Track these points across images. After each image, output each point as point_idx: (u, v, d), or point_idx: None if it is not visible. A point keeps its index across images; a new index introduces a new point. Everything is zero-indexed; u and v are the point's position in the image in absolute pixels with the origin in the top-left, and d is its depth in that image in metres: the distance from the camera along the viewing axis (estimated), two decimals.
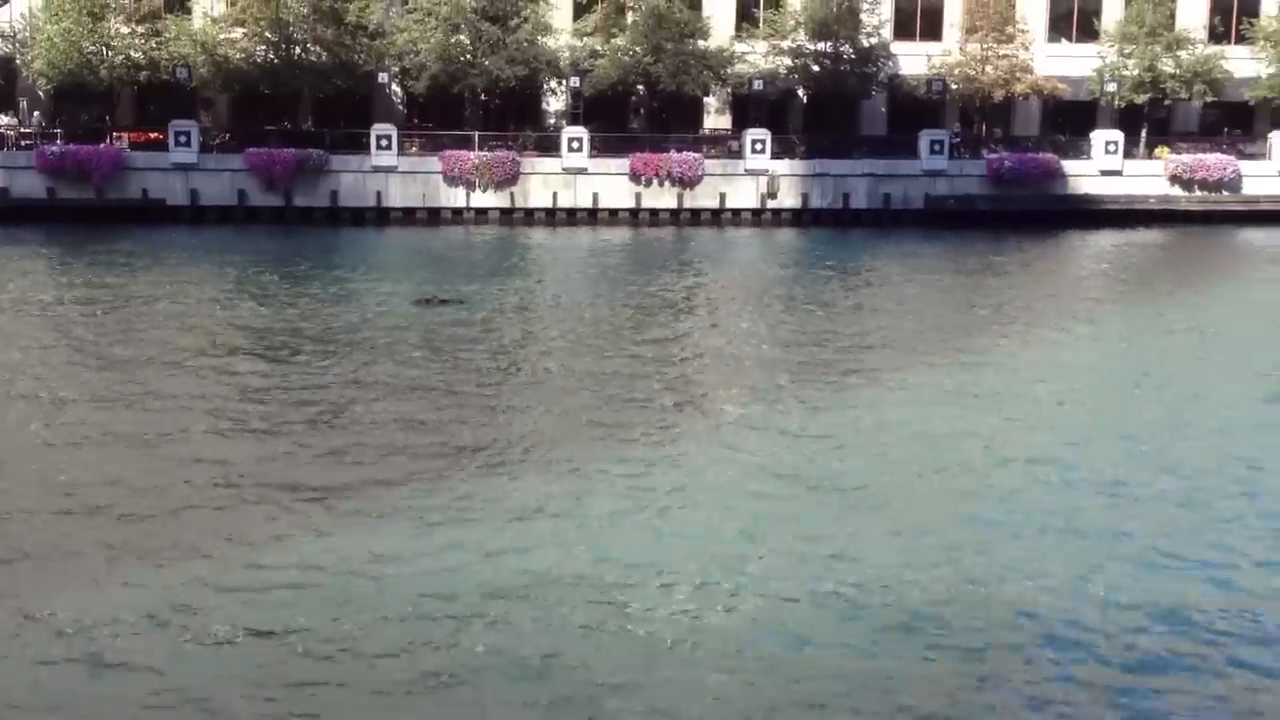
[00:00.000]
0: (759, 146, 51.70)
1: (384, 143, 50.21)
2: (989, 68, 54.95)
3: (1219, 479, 17.99)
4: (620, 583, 14.06)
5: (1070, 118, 57.59)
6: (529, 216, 50.75)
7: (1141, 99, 55.24)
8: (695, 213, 51.35)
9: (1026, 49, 56.00)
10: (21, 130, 51.55)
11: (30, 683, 11.81)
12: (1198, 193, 53.77)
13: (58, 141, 50.16)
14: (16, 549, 14.91)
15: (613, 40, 53.57)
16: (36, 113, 52.39)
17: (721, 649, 12.55)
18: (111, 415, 20.68)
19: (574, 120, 54.43)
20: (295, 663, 12.22)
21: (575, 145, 51.18)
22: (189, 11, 54.13)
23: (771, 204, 51.64)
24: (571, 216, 50.81)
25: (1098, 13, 58.51)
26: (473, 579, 14.05)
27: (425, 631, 12.85)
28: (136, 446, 18.96)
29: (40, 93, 53.34)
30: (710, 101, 57.22)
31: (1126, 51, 55.56)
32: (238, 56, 51.74)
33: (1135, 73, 55.18)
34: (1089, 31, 58.29)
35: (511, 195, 50.77)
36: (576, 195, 51.16)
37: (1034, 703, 11.63)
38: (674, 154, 51.38)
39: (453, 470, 17.86)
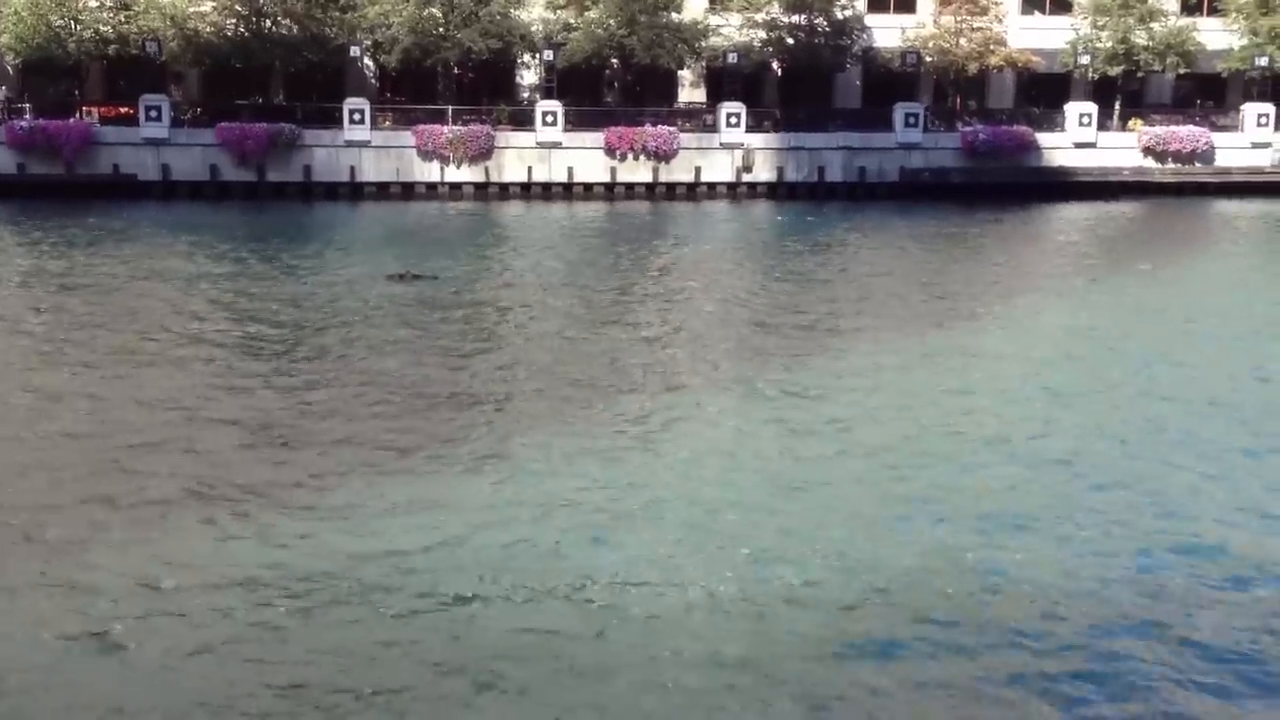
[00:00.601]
0: (734, 120, 51.62)
1: (357, 117, 49.92)
2: (963, 40, 54.97)
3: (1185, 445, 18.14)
4: (594, 570, 14.08)
5: (1044, 90, 57.72)
6: (504, 191, 50.58)
7: (1115, 71, 55.39)
8: (671, 186, 51.27)
9: (1000, 21, 56.03)
10: None
11: None
12: (1171, 164, 53.99)
13: (27, 116, 49.68)
14: None
15: (586, 13, 53.30)
16: (4, 88, 51.82)
17: (698, 638, 12.60)
18: (82, 393, 20.55)
19: (548, 94, 54.20)
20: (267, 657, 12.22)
21: (549, 119, 50.98)
22: None
23: (747, 177, 51.60)
24: (547, 191, 50.67)
25: None
26: (439, 568, 14.01)
27: (398, 623, 12.84)
28: (100, 424, 18.85)
29: (8, 67, 52.79)
30: (685, 75, 57.09)
31: (1100, 24, 55.67)
32: (208, 30, 51.31)
33: (1109, 45, 55.29)
34: (1062, 4, 58.39)
35: (486, 170, 50.57)
36: (551, 169, 51.00)
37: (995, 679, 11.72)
38: (649, 128, 51.26)
39: (420, 452, 17.79)
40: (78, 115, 50.39)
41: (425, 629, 12.44)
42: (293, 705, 11.18)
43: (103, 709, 11.09)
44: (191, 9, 51.39)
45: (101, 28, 50.84)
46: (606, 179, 51.17)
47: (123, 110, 50.90)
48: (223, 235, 39.11)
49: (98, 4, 51.19)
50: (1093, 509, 15.71)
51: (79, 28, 50.42)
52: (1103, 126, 54.24)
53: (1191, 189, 52.97)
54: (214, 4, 51.41)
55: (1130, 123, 55.25)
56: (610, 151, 51.02)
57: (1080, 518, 15.41)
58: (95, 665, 11.81)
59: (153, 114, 49.01)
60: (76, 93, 52.43)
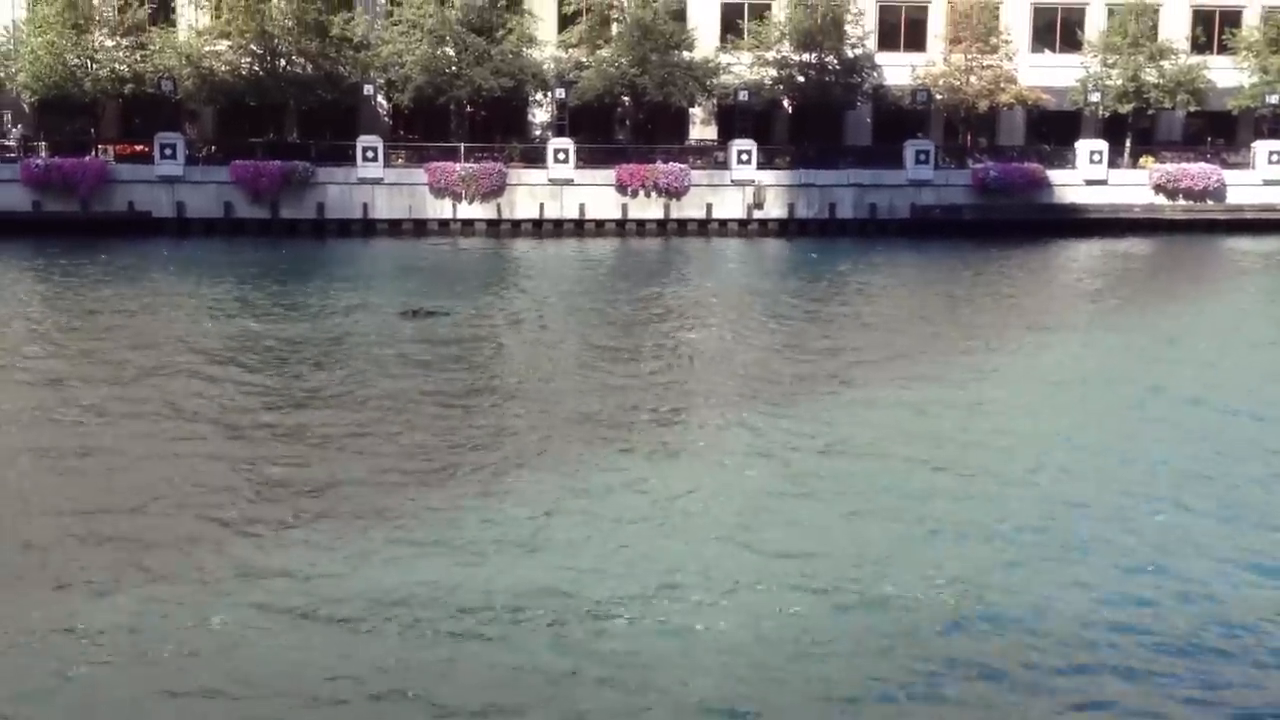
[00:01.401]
0: (745, 157, 51.80)
1: (370, 154, 50.21)
2: (973, 78, 55.14)
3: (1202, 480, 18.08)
4: (601, 599, 14.07)
5: (1055, 127, 57.77)
6: (515, 228, 50.76)
7: (1125, 108, 55.49)
8: (682, 223, 51.40)
9: (1010, 59, 56.22)
10: (5, 143, 51.38)
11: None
12: (1182, 201, 53.97)
13: (43, 154, 50.05)
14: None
15: (598, 52, 53.62)
16: (20, 126, 52.22)
17: (718, 659, 12.57)
18: (95, 428, 20.64)
19: (560, 131, 54.47)
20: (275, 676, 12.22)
21: (561, 156, 51.22)
22: (174, 24, 54.02)
23: (758, 214, 51.71)
24: (558, 227, 50.83)
25: (1081, 23, 58.77)
26: (455, 593, 14.04)
27: (411, 644, 12.84)
28: (116, 459, 18.92)
29: (24, 105, 53.18)
30: (696, 112, 57.31)
31: (1110, 62, 55.83)
32: (223, 69, 51.69)
33: (1119, 82, 55.43)
34: (1072, 42, 58.56)
35: (498, 206, 50.77)
36: (563, 206, 51.19)
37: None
38: (660, 165, 51.45)
39: (432, 485, 17.83)
40: (93, 153, 50.75)
41: (415, 661, 12.45)
42: None
43: None
44: (207, 48, 51.78)
45: (117, 66, 51.22)
46: (618, 216, 51.32)
47: (138, 148, 51.24)
48: (237, 272, 39.27)
49: (114, 43, 51.61)
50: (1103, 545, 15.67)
51: (95, 66, 50.83)
52: (1113, 164, 54.28)
53: (1203, 226, 52.91)
54: (229, 43, 51.80)
55: (1141, 160, 55.27)
56: (622, 188, 51.20)
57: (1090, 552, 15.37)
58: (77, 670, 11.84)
59: (168, 152, 49.34)
60: (92, 131, 52.81)
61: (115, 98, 52.61)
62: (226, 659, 12.52)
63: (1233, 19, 59.01)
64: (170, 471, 18.24)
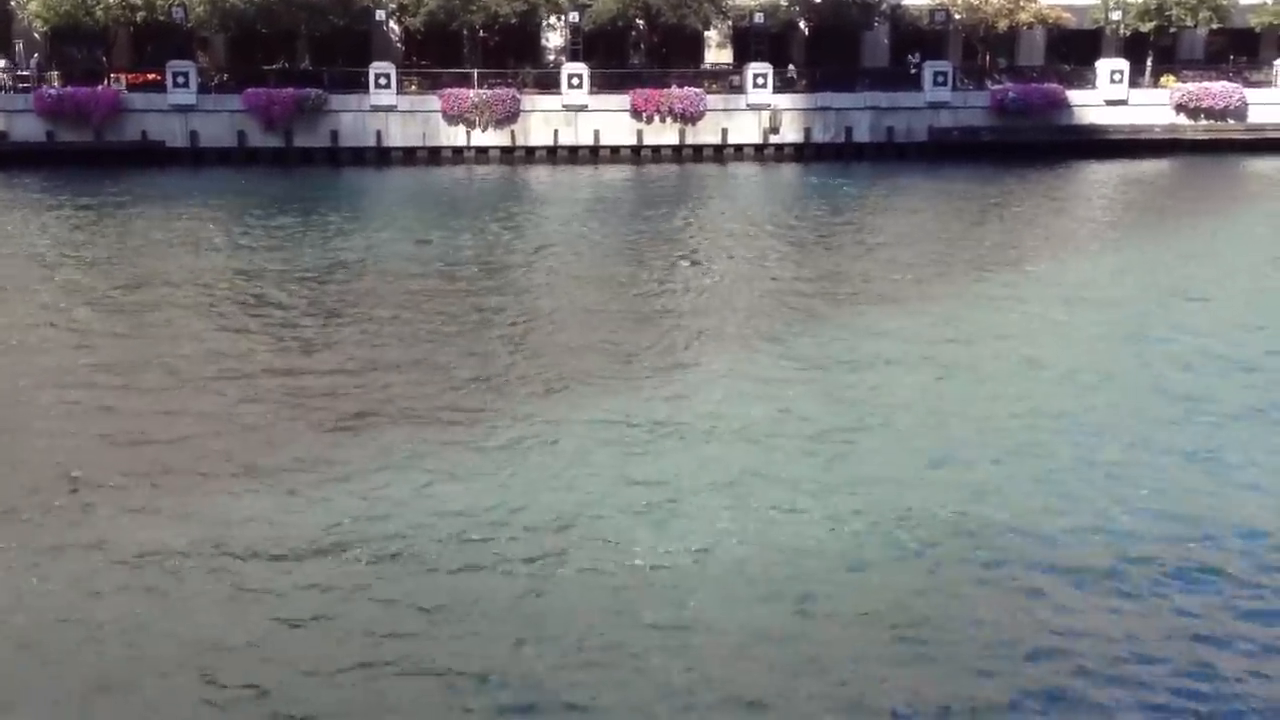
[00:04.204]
0: (760, 81, 51.29)
1: (383, 81, 49.86)
2: None
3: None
4: (612, 536, 14.17)
5: (1075, 47, 56.99)
6: (530, 155, 50.47)
7: (1147, 27, 54.67)
8: (697, 149, 51.04)
9: None
10: (19, 74, 51.14)
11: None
12: (1204, 121, 53.34)
13: (55, 84, 49.84)
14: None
15: None
16: (36, 55, 51.95)
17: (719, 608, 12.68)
18: (109, 369, 20.74)
19: (574, 56, 53.96)
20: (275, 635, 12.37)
21: (575, 82, 50.79)
22: None
23: (774, 139, 51.31)
24: (573, 154, 50.52)
25: None
26: (457, 526, 14.16)
27: (409, 580, 12.97)
28: (126, 398, 19.04)
29: (36, 35, 52.84)
30: (711, 36, 56.65)
31: None
32: None
33: (1140, 0, 54.57)
34: None
35: (512, 133, 50.46)
36: (578, 133, 50.84)
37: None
38: (675, 90, 50.99)
39: (442, 418, 17.90)
40: (105, 82, 50.51)
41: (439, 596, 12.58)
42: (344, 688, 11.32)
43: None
44: None
45: None
46: (633, 142, 50.98)
47: (150, 77, 51.00)
48: (249, 202, 39.23)
49: None
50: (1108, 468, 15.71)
51: None
52: (1134, 83, 53.61)
53: (1224, 146, 52.31)
54: None
55: (1162, 79, 54.57)
56: (636, 114, 50.80)
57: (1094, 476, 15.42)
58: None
59: (180, 80, 49.11)
60: (104, 60, 52.54)
61: (127, 26, 52.28)
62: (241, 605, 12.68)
63: None
64: (172, 404, 18.36)
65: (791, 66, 53.35)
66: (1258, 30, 56.46)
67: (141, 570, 13.05)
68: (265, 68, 51.92)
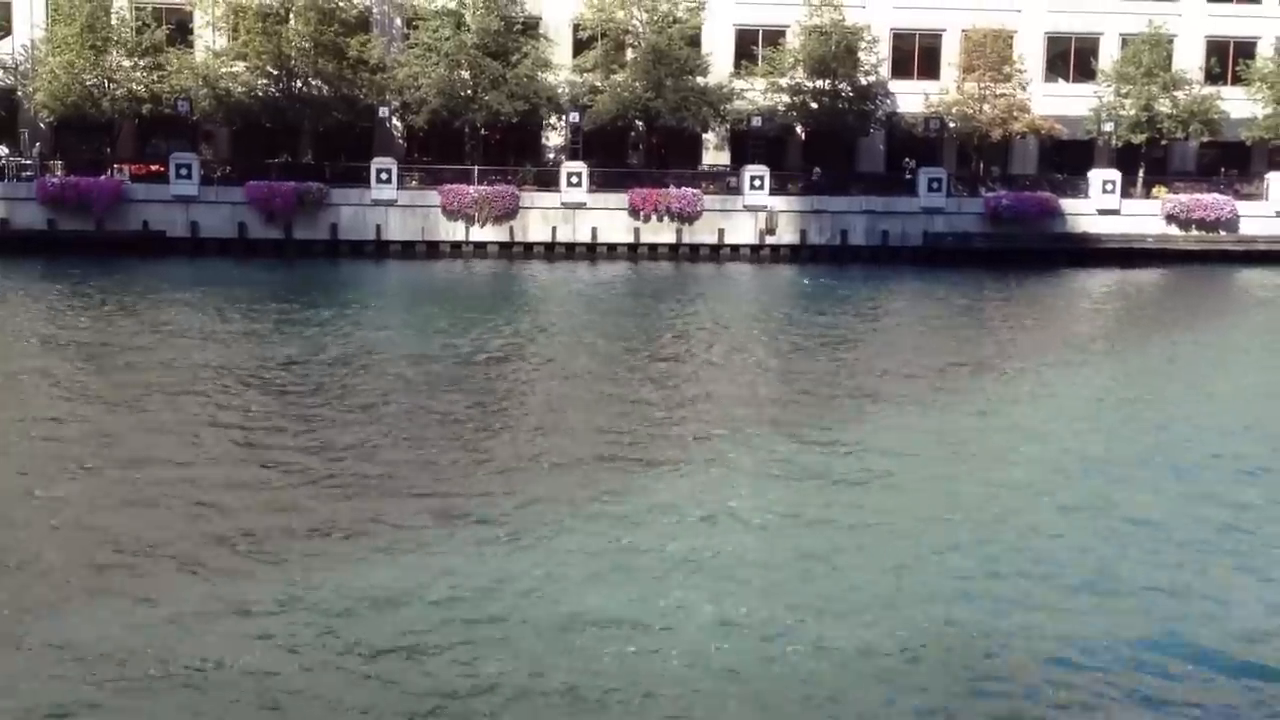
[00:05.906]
0: (758, 182, 51.91)
1: (384, 176, 50.40)
2: (986, 106, 55.25)
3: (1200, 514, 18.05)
4: (613, 630, 14.07)
5: (1068, 157, 57.83)
6: (528, 251, 50.88)
7: (1139, 139, 55.51)
8: (694, 248, 51.49)
9: (1024, 88, 56.32)
10: (22, 162, 51.66)
11: None
12: (1195, 232, 53.97)
13: (59, 173, 50.32)
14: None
15: (612, 76, 53.84)
16: (38, 144, 52.53)
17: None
18: (109, 450, 20.69)
19: (573, 155, 54.65)
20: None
21: (574, 180, 51.38)
22: (191, 45, 54.33)
23: (770, 240, 51.81)
24: (570, 251, 50.93)
25: (1094, 53, 58.81)
26: (463, 612, 14.06)
27: (430, 662, 12.86)
28: (127, 484, 18.98)
29: (42, 124, 53.50)
30: (709, 138, 57.45)
31: (1123, 91, 55.89)
32: (239, 90, 51.94)
33: (1132, 112, 55.47)
34: (1086, 71, 58.61)
35: (511, 229, 50.91)
36: (576, 230, 51.31)
37: None
38: (673, 189, 51.57)
39: (443, 514, 17.84)
40: (109, 172, 51.02)
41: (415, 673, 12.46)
42: None
43: None
44: (223, 69, 52.07)
45: (134, 86, 51.55)
46: (630, 240, 51.44)
47: (153, 168, 51.55)
48: (251, 293, 39.38)
49: (131, 64, 51.91)
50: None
51: (112, 86, 51.17)
52: (1126, 193, 54.31)
53: (1215, 257, 52.88)
54: (245, 64, 52.10)
55: (1154, 190, 55.31)
56: (634, 212, 51.32)
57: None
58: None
59: (183, 172, 49.61)
60: (108, 150, 53.12)
61: (132, 118, 52.97)
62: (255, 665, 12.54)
63: (1247, 50, 59.05)
64: (174, 492, 18.29)
65: (817, 169, 53.91)
66: (1249, 144, 57.33)
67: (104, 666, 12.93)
68: (268, 161, 52.49)
